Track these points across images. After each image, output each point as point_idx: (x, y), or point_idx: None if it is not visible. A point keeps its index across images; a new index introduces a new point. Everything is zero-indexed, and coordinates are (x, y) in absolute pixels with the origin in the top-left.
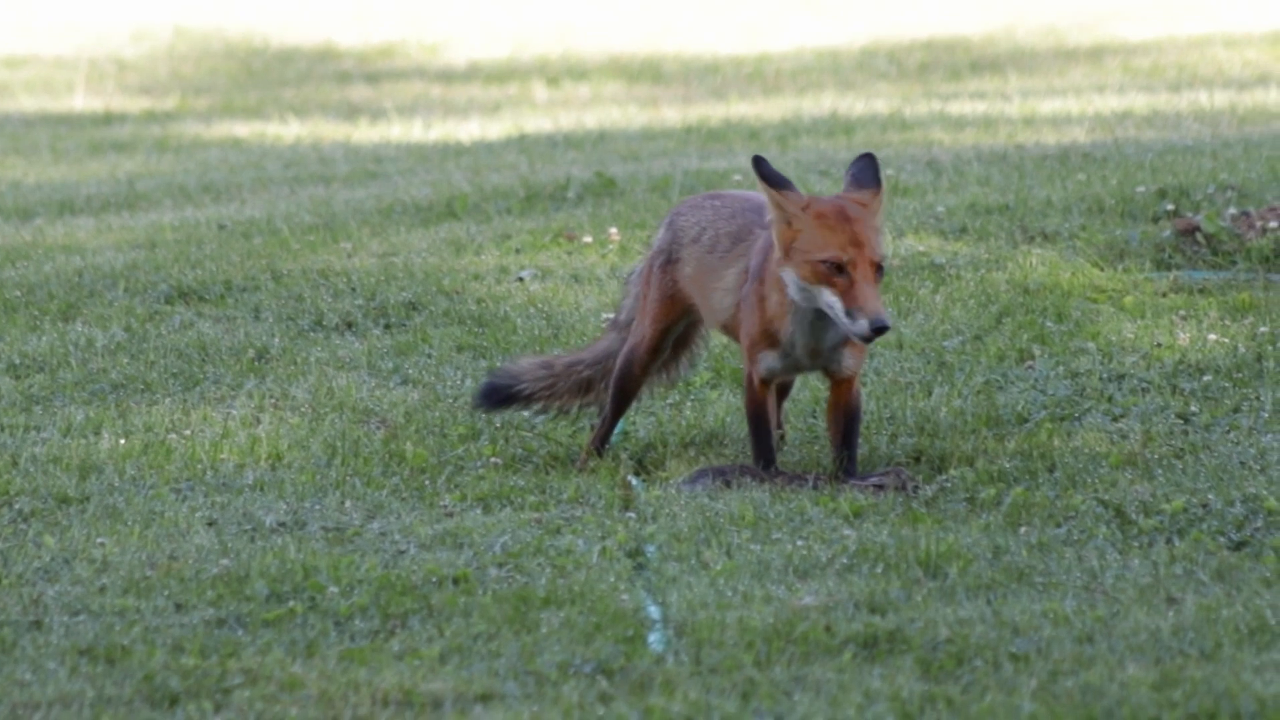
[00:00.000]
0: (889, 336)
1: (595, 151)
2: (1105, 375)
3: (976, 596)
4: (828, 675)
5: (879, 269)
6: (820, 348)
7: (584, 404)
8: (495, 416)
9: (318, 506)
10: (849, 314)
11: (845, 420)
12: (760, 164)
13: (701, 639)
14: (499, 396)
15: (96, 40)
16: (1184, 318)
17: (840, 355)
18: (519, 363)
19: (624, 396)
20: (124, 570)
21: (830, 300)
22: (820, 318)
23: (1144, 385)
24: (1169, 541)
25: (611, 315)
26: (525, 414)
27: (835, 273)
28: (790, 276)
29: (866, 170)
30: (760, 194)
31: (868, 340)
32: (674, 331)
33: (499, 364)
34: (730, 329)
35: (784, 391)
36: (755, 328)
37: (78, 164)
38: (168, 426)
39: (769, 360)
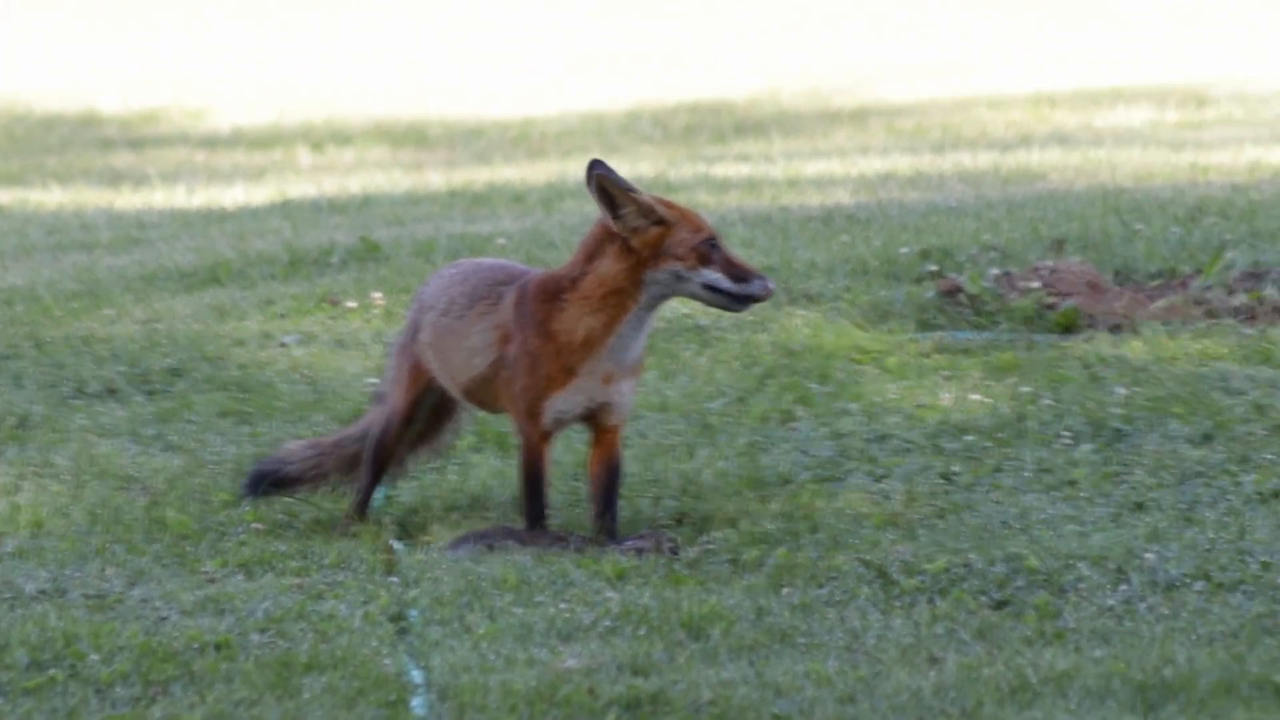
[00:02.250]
0: (653, 398)
1: (360, 216)
2: (868, 436)
3: (739, 658)
4: None
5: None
6: (620, 366)
7: (352, 480)
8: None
9: (79, 574)
10: (738, 281)
11: (608, 476)
12: (595, 168)
13: (465, 703)
14: (267, 481)
15: None
16: (947, 378)
17: (624, 388)
18: (285, 446)
19: (379, 464)
20: None
21: (713, 277)
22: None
23: (907, 446)
24: (931, 601)
25: (376, 382)
26: (294, 497)
27: (713, 250)
28: (664, 274)
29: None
30: (494, 261)
31: (758, 300)
32: (426, 401)
33: (259, 448)
34: (478, 393)
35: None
36: (543, 371)
37: None
38: None
39: (559, 403)
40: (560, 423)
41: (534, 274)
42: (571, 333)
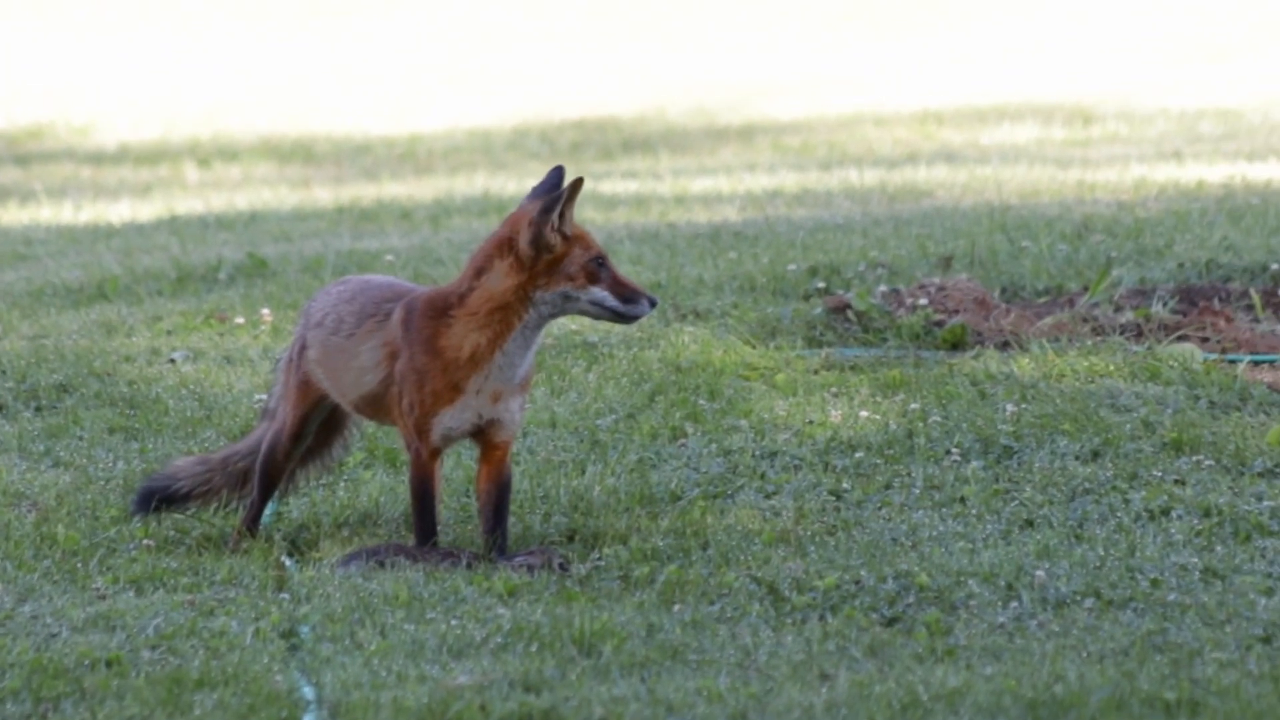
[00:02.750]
0: (542, 414)
1: (247, 232)
2: (758, 452)
3: (631, 674)
4: None
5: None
6: (508, 383)
7: (242, 495)
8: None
9: None
10: (625, 300)
11: (498, 492)
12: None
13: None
14: (157, 498)
15: None
16: (836, 395)
17: (513, 404)
18: (174, 463)
19: (269, 481)
20: None
21: (600, 295)
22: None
23: (796, 462)
24: (822, 618)
25: (264, 397)
26: (184, 513)
27: (601, 268)
28: (554, 295)
29: (552, 177)
30: (382, 278)
31: (641, 316)
32: (315, 418)
33: (154, 467)
34: (369, 409)
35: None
36: (431, 387)
37: None
38: None
39: (447, 419)
40: (448, 439)
41: (421, 291)
42: (458, 349)
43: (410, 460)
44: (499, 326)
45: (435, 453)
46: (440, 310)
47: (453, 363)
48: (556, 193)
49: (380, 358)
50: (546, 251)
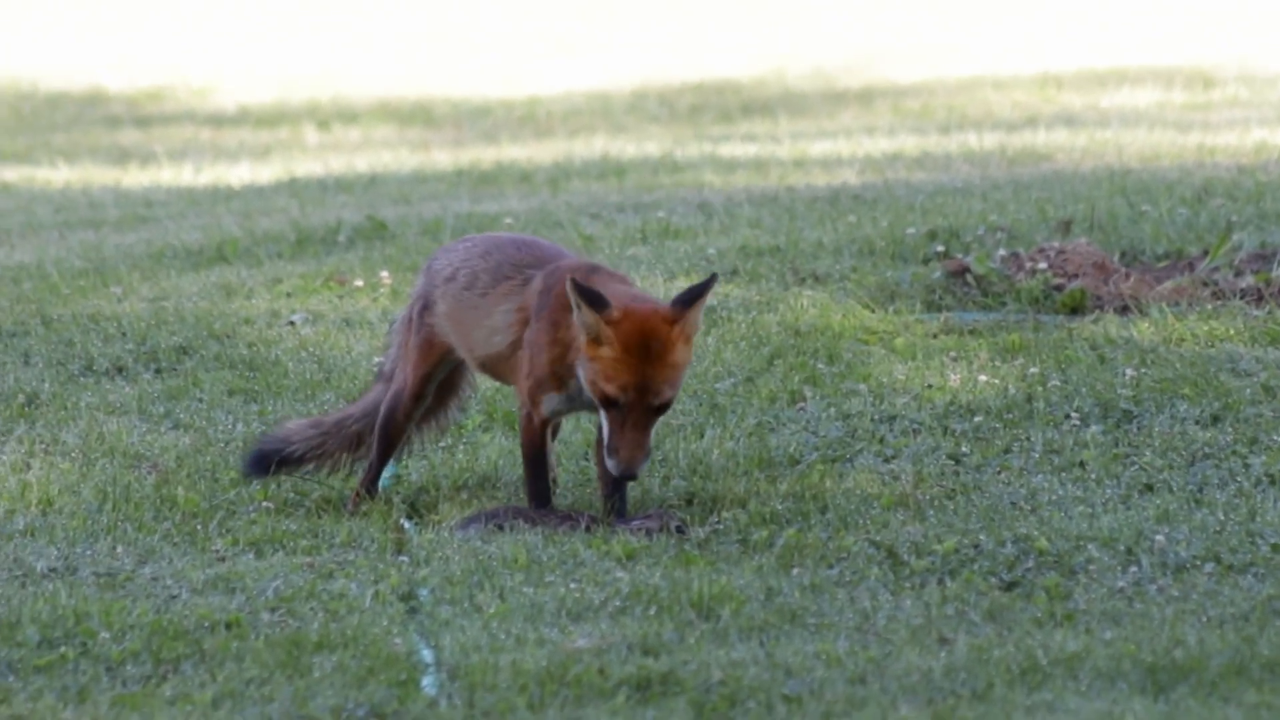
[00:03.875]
0: None
1: (366, 195)
2: (876, 416)
3: (749, 638)
4: (601, 718)
5: (659, 410)
6: None
7: (356, 458)
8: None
9: (89, 552)
10: (609, 448)
11: None
12: (577, 286)
13: (475, 682)
14: (269, 462)
15: None
16: (955, 359)
17: None
18: (286, 425)
19: (389, 443)
20: None
21: (602, 421)
22: None
23: (915, 426)
24: (941, 582)
25: (381, 360)
26: (299, 476)
27: (612, 406)
28: (582, 371)
29: (693, 289)
30: (518, 237)
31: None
32: (436, 377)
33: (268, 429)
34: (495, 368)
35: (554, 432)
36: (543, 369)
37: None
38: None
39: (553, 402)
40: (558, 414)
41: (565, 261)
42: (560, 344)
43: (521, 424)
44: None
45: (545, 421)
46: (556, 299)
47: (555, 357)
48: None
49: (513, 320)
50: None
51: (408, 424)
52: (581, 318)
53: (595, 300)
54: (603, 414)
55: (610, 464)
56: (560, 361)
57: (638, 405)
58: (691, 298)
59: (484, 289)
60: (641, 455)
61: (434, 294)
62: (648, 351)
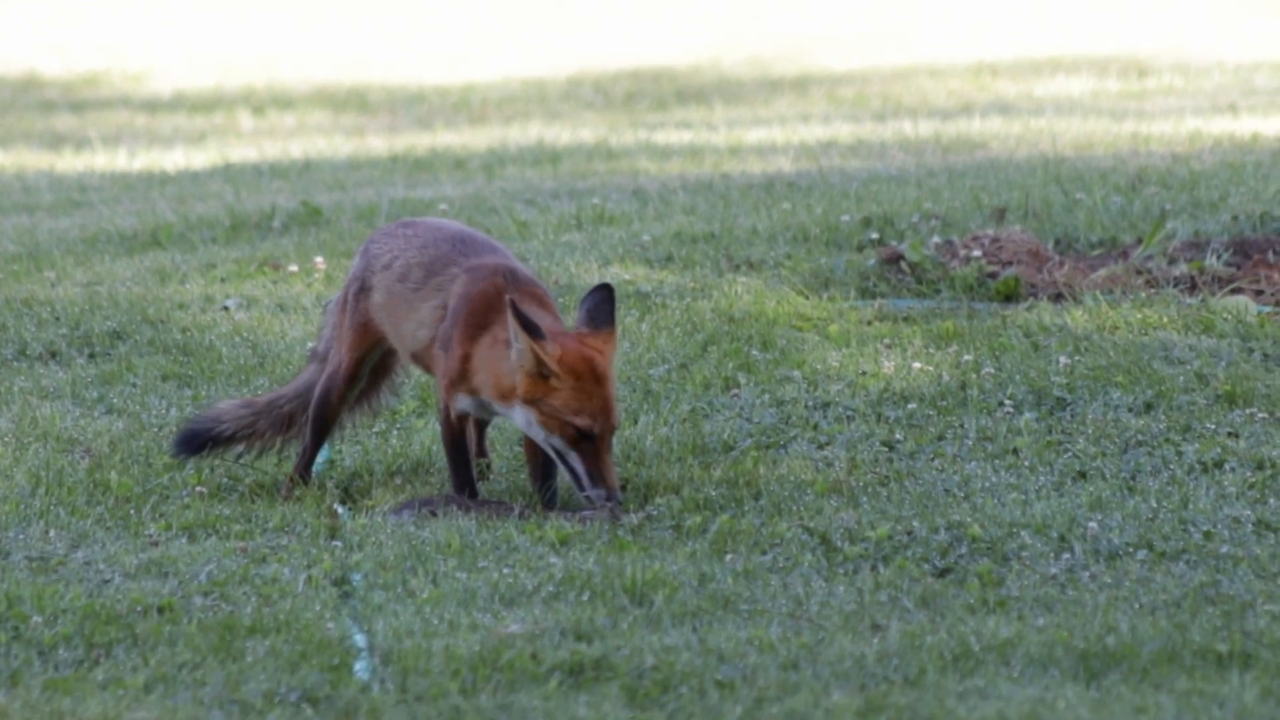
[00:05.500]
0: None
1: (301, 181)
2: (811, 403)
3: (682, 624)
4: (534, 703)
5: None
6: None
7: (287, 439)
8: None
9: (21, 536)
10: (590, 477)
11: (544, 454)
12: (516, 310)
13: (407, 667)
14: (199, 441)
15: None
16: (889, 346)
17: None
18: (217, 405)
19: (323, 425)
20: None
21: (574, 463)
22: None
23: (849, 413)
24: (874, 568)
25: (314, 344)
26: (225, 457)
27: (584, 439)
28: (529, 417)
29: (603, 307)
30: (455, 228)
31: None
32: (371, 359)
33: (196, 409)
34: (422, 360)
35: (485, 420)
36: (454, 370)
37: None
38: None
39: (464, 402)
40: (468, 414)
41: (484, 261)
42: (476, 359)
43: (441, 417)
44: (498, 377)
45: (462, 417)
46: (490, 314)
47: (466, 365)
48: None
49: (436, 316)
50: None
51: (342, 406)
52: (521, 352)
53: (534, 330)
54: (572, 457)
55: (595, 494)
56: (467, 363)
57: (607, 431)
58: (607, 317)
59: (416, 284)
60: (616, 483)
61: (371, 279)
62: (600, 378)
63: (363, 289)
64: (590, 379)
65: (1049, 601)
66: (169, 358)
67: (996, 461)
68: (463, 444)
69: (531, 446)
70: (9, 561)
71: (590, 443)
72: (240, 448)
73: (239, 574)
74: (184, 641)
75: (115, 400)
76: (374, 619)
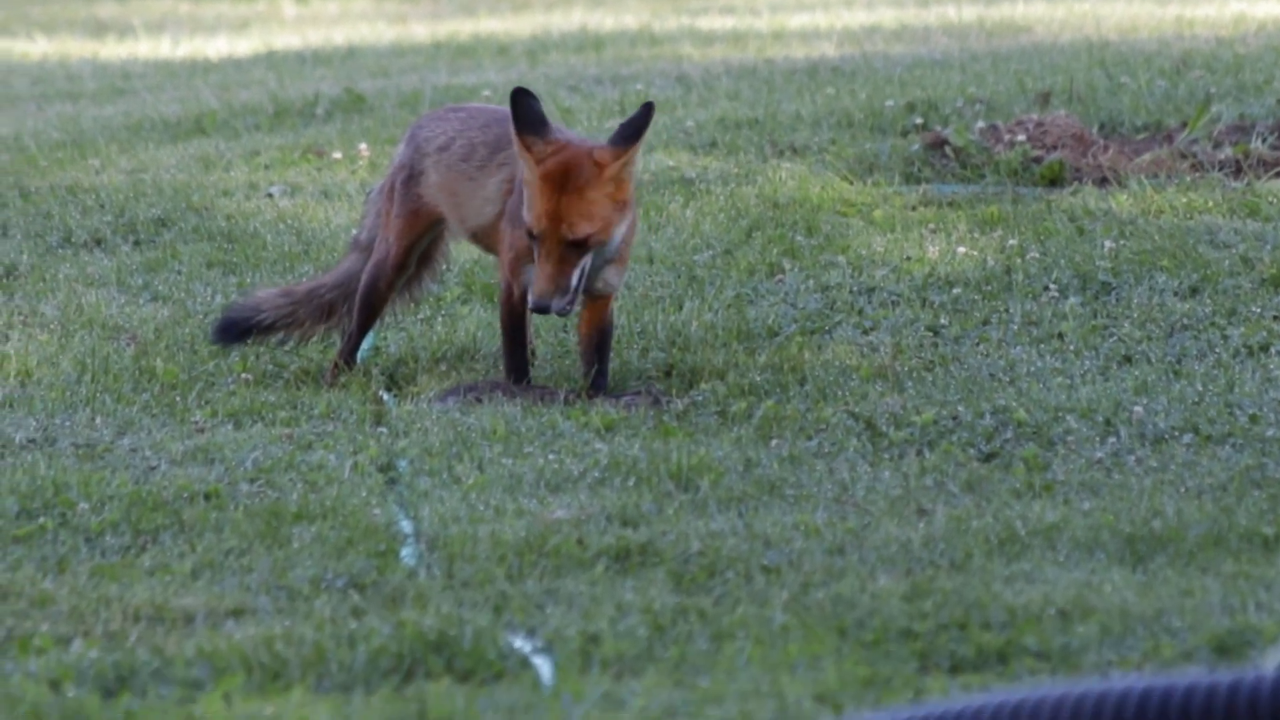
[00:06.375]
0: (640, 250)
1: (344, 68)
2: (855, 288)
3: (728, 509)
4: (580, 588)
5: (576, 245)
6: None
7: (327, 328)
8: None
9: (68, 423)
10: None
11: (598, 337)
12: (516, 102)
13: (454, 553)
14: (238, 329)
15: None
16: (933, 231)
17: (607, 274)
18: (257, 294)
19: (370, 312)
20: None
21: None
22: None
23: (894, 298)
24: (919, 453)
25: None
26: (267, 344)
27: (533, 240)
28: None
29: (631, 123)
30: (505, 108)
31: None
32: (419, 247)
33: (237, 296)
34: (485, 239)
35: None
36: (521, 241)
37: None
38: None
39: (529, 275)
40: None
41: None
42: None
43: (501, 297)
44: None
45: (525, 294)
46: None
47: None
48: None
49: (503, 191)
50: None
51: (390, 293)
52: (514, 147)
53: (533, 128)
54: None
55: (530, 296)
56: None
57: (551, 236)
58: (629, 134)
59: (481, 161)
60: (553, 290)
61: (423, 164)
62: (565, 184)
63: (412, 175)
64: (555, 182)
65: (1094, 486)
66: (213, 245)
67: (1041, 346)
68: (522, 325)
69: (584, 335)
70: (56, 448)
71: (538, 244)
72: (280, 336)
73: (285, 460)
74: (230, 528)
75: (160, 287)
76: (420, 505)
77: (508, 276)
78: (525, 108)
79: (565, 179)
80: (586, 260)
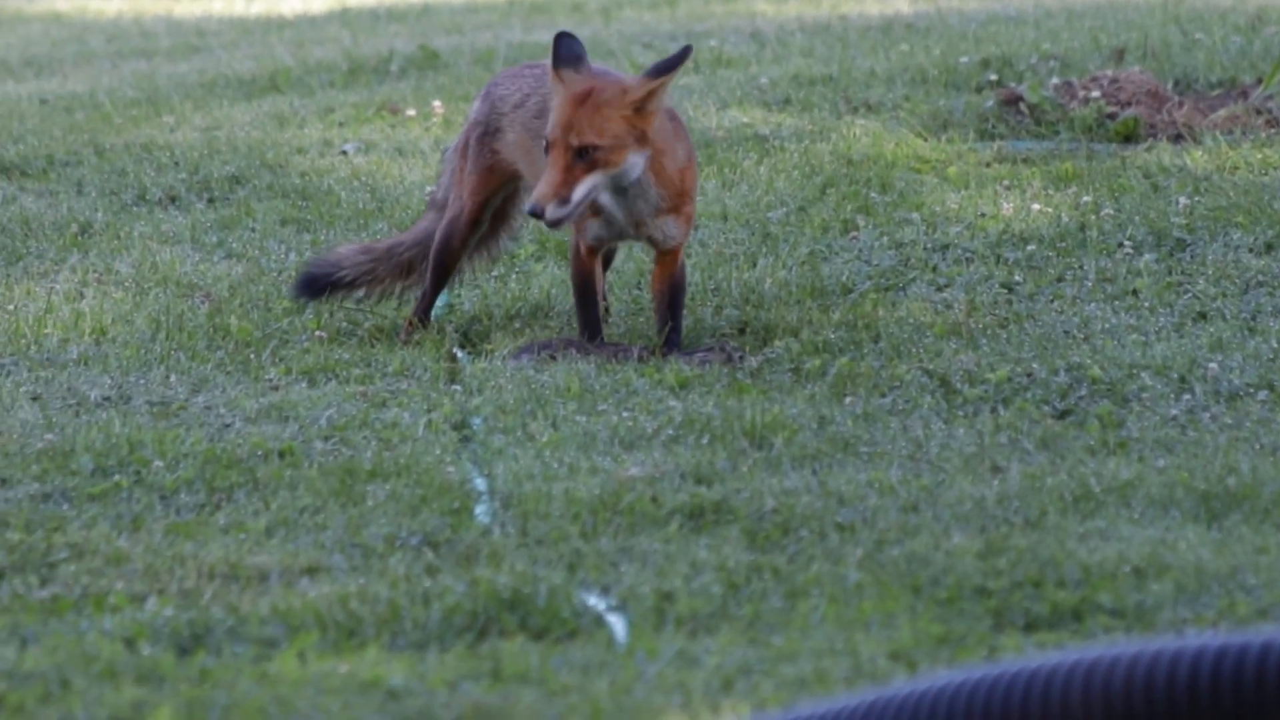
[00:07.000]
0: (714, 207)
1: (419, 25)
2: (929, 245)
3: (802, 467)
4: (654, 546)
5: (580, 153)
6: (639, 217)
7: (406, 286)
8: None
9: (142, 381)
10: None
11: (670, 293)
12: (558, 42)
13: (528, 511)
14: (319, 285)
15: None
16: (1008, 188)
17: (663, 225)
18: (337, 250)
19: (444, 270)
20: None
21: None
22: (620, 191)
23: (968, 255)
24: (994, 411)
25: (433, 189)
26: (342, 301)
27: (546, 150)
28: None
29: (667, 60)
30: (594, 65)
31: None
32: (493, 204)
33: (317, 252)
34: None
35: (607, 262)
36: None
37: None
38: None
39: (595, 228)
40: (600, 241)
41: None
42: None
43: (571, 254)
44: None
45: (592, 250)
46: None
47: None
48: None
49: None
50: None
51: (464, 250)
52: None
53: (570, 63)
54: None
55: (528, 202)
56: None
57: (560, 143)
58: (661, 68)
59: None
60: (552, 195)
61: (499, 121)
62: (585, 100)
63: (487, 131)
64: (576, 98)
65: (1169, 443)
66: (287, 202)
67: (1116, 303)
68: (591, 282)
69: (657, 291)
70: (130, 406)
71: (548, 154)
72: (360, 293)
73: (359, 418)
74: (304, 486)
75: (234, 245)
76: (494, 463)
77: (575, 234)
78: (564, 47)
79: (587, 96)
80: (595, 180)
